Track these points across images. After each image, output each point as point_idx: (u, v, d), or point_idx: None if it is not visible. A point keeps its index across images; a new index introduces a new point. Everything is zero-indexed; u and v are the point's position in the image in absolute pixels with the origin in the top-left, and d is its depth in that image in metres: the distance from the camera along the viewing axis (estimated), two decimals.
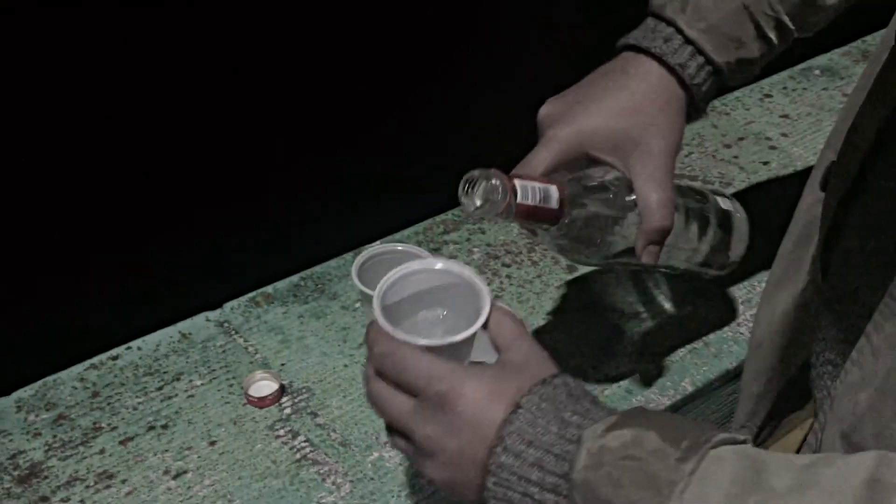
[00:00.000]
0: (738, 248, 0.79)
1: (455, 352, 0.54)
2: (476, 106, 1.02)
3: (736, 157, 1.14)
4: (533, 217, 0.62)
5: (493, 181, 0.59)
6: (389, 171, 1.00)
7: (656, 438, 0.45)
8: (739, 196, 1.00)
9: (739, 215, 0.79)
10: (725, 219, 0.78)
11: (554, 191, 0.63)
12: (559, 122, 0.66)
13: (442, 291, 0.59)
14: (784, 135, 1.19)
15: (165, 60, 0.79)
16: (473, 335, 0.55)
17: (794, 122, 1.21)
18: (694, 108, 0.69)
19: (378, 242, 0.97)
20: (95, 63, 0.76)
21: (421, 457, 0.52)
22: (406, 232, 1.01)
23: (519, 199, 0.60)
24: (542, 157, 0.65)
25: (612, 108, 0.66)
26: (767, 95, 1.27)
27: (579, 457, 0.46)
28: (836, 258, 0.60)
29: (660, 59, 0.67)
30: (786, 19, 0.69)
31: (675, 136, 0.67)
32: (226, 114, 0.85)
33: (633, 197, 0.66)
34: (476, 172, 0.60)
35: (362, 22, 0.90)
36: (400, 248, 0.86)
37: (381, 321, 0.54)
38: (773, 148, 1.16)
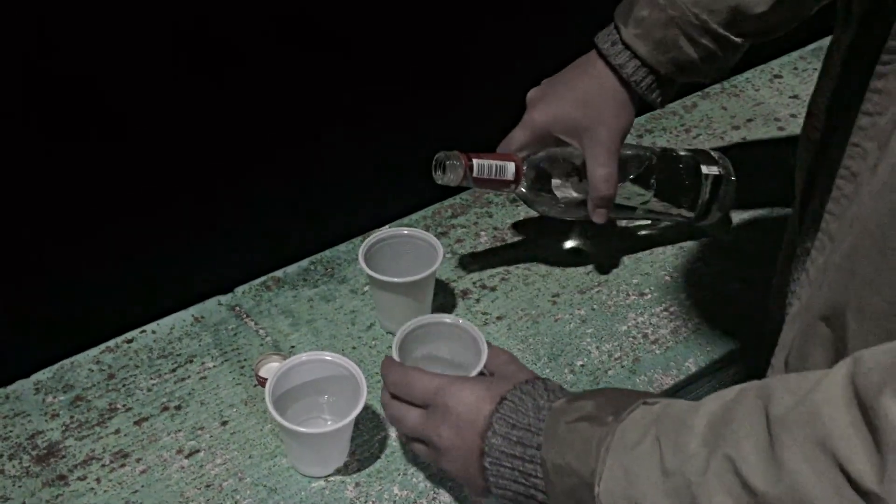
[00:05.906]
0: (723, 204, 0.95)
1: None
2: (480, 95, 1.03)
3: (744, 138, 1.14)
4: (489, 185, 0.83)
5: (453, 161, 0.79)
6: (397, 155, 1.01)
7: (602, 405, 0.55)
8: (748, 176, 1.01)
9: (723, 176, 0.94)
10: (696, 177, 0.93)
11: (510, 165, 0.82)
12: (535, 107, 0.84)
13: (326, 381, 0.75)
14: (793, 115, 1.18)
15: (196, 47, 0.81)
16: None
17: (804, 103, 1.21)
18: (643, 101, 0.83)
19: (386, 227, 0.98)
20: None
21: (438, 455, 0.65)
22: (414, 216, 1.03)
23: (475, 174, 0.80)
24: (517, 136, 0.85)
25: (571, 101, 0.83)
26: (777, 76, 1.27)
27: (543, 426, 0.57)
28: (805, 217, 0.66)
29: (606, 59, 0.82)
30: (717, 28, 0.78)
31: (620, 123, 0.83)
32: (237, 105, 0.87)
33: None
34: (442, 154, 0.79)
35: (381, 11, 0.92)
36: (406, 231, 0.88)
37: (270, 405, 0.70)
38: (781, 129, 1.16)
